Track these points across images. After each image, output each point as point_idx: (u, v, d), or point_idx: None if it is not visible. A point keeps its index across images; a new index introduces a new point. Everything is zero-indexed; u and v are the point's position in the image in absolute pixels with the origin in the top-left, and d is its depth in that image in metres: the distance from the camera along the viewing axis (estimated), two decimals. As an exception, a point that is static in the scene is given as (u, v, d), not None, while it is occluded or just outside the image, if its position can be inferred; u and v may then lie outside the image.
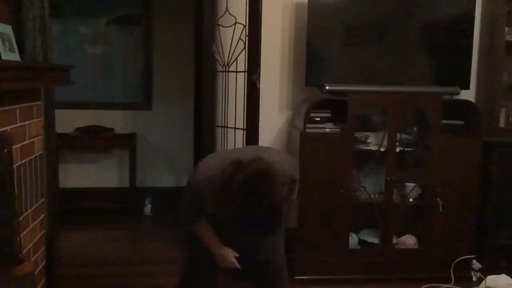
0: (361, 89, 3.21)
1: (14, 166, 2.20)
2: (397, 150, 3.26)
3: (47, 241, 2.75)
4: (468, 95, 3.50)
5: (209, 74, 3.48)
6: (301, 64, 3.37)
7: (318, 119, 3.26)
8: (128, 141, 4.70)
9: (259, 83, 3.19)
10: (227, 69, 3.42)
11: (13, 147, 2.19)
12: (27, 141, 2.40)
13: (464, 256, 3.28)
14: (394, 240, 3.39)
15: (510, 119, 3.57)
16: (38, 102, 2.58)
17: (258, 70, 3.17)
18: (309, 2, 3.21)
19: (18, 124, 2.29)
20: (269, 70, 3.47)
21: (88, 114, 4.80)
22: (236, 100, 3.35)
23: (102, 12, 4.80)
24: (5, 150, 2.09)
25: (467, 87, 3.37)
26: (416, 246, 3.38)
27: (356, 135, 3.24)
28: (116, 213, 4.53)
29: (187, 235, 2.25)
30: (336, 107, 3.22)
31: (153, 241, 3.93)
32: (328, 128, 3.25)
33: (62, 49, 4.33)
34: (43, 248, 2.67)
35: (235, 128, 3.38)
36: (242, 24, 3.27)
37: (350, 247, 3.31)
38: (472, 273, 3.30)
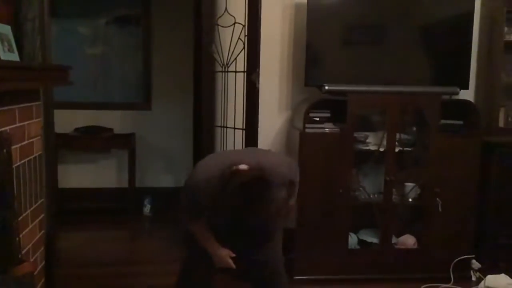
0: (361, 89, 3.21)
1: (13, 167, 2.20)
2: (396, 150, 3.26)
3: (46, 241, 2.75)
4: (467, 95, 3.50)
5: (208, 74, 3.48)
6: (301, 64, 3.37)
7: (318, 119, 3.26)
8: (127, 141, 4.69)
9: (259, 83, 3.19)
10: (226, 69, 3.42)
11: (12, 147, 2.19)
12: (26, 141, 2.40)
13: (463, 256, 3.28)
14: (394, 240, 3.39)
15: (509, 119, 3.57)
16: (37, 102, 2.57)
17: (257, 70, 3.17)
18: (308, 2, 3.21)
19: (17, 124, 2.29)
20: (269, 70, 3.47)
21: (87, 114, 4.80)
22: (236, 100, 3.35)
23: (101, 12, 4.80)
24: (4, 151, 2.09)
25: (466, 87, 3.37)
26: (416, 246, 3.38)
27: (355, 135, 3.24)
28: (115, 213, 4.53)
29: (185, 235, 2.25)
30: (336, 107, 3.22)
31: (152, 241, 3.93)
32: (328, 128, 3.25)
33: (61, 49, 4.32)
34: (42, 248, 2.67)
35: (235, 128, 3.38)
36: (242, 24, 3.27)
37: (349, 247, 3.31)
38: (472, 273, 3.31)
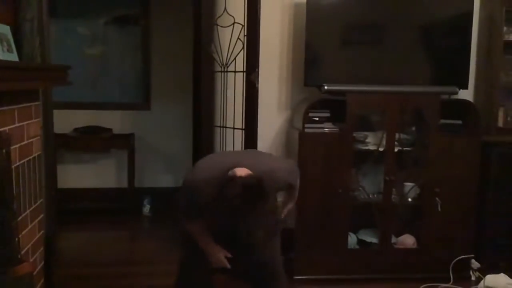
0: (360, 89, 3.21)
1: (13, 167, 2.20)
2: (396, 149, 3.26)
3: (45, 241, 2.75)
4: (466, 94, 3.50)
5: (207, 74, 3.48)
6: (300, 64, 3.37)
7: (317, 119, 3.26)
8: (126, 142, 4.69)
9: (258, 83, 3.18)
10: (225, 69, 3.42)
11: (12, 147, 2.19)
12: (25, 142, 2.40)
13: (462, 255, 3.28)
14: (393, 239, 3.39)
15: (509, 119, 3.57)
16: (36, 103, 2.57)
17: (256, 70, 3.17)
18: (307, 2, 3.21)
19: (17, 125, 2.29)
20: (268, 70, 3.47)
21: (86, 114, 4.80)
22: (235, 100, 3.35)
23: (100, 12, 4.80)
24: (4, 151, 2.09)
25: (465, 86, 3.38)
26: (415, 246, 3.38)
27: (354, 135, 3.24)
28: (114, 214, 4.52)
29: (182, 235, 2.25)
30: (335, 107, 3.22)
31: (152, 242, 3.93)
32: (327, 128, 3.25)
33: (60, 49, 4.32)
34: (41, 248, 2.67)
35: (234, 128, 3.38)
36: (241, 24, 3.26)
37: (349, 247, 3.31)
38: (471, 273, 3.31)
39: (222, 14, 3.36)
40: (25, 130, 2.40)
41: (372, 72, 3.32)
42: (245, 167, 1.94)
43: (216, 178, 1.92)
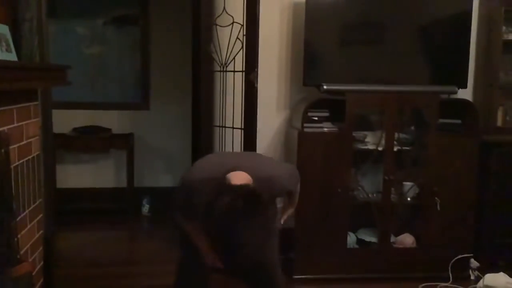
0: (359, 89, 3.21)
1: (12, 167, 2.20)
2: (395, 149, 3.26)
3: (44, 241, 2.75)
4: (465, 94, 3.50)
5: (206, 73, 3.48)
6: (299, 64, 3.37)
7: (316, 118, 3.26)
8: (125, 141, 4.69)
9: (257, 83, 3.18)
10: (224, 69, 3.42)
11: (10, 147, 2.18)
12: (24, 142, 2.40)
13: (462, 255, 3.29)
14: (392, 239, 3.39)
15: (508, 118, 3.58)
16: (35, 102, 2.57)
17: (255, 69, 3.17)
18: (306, 1, 3.21)
19: (15, 125, 2.29)
20: (267, 69, 3.47)
21: (85, 114, 4.79)
22: (234, 100, 3.35)
23: (99, 12, 4.79)
24: (2, 151, 2.09)
25: (464, 86, 3.38)
26: (414, 245, 3.38)
27: (354, 134, 3.24)
28: (114, 214, 4.52)
29: (179, 234, 2.24)
30: (334, 107, 3.22)
31: (151, 241, 3.93)
32: (326, 127, 3.25)
33: (59, 49, 4.32)
34: (41, 248, 2.66)
35: (233, 128, 3.38)
36: (240, 24, 3.26)
37: (348, 246, 3.31)
38: (470, 272, 3.31)
39: (221, 13, 3.36)
40: (24, 130, 2.40)
41: (371, 71, 3.32)
42: (244, 171, 1.93)
43: (214, 179, 1.91)
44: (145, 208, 4.60)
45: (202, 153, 3.28)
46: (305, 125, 3.19)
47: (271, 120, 3.57)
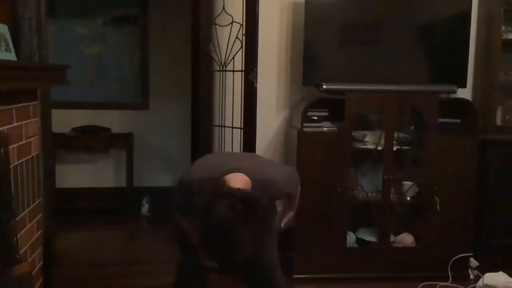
0: (358, 88, 3.21)
1: (11, 166, 2.20)
2: (394, 148, 3.26)
3: (44, 241, 2.75)
4: (465, 93, 3.51)
5: (206, 73, 3.48)
6: (299, 63, 3.37)
7: (316, 118, 3.26)
8: (125, 141, 4.69)
9: (256, 82, 3.18)
10: (224, 69, 3.42)
11: (10, 147, 2.18)
12: (23, 141, 2.39)
13: (461, 254, 3.29)
14: (392, 238, 3.39)
15: (507, 117, 3.58)
16: (34, 102, 2.57)
17: (255, 69, 3.17)
18: (306, 1, 3.21)
19: (15, 124, 2.28)
20: (266, 69, 3.47)
21: (85, 114, 4.80)
22: (234, 100, 3.35)
23: (99, 12, 4.80)
24: (2, 150, 2.09)
25: (464, 85, 3.38)
26: (414, 245, 3.38)
27: (353, 134, 3.24)
28: (113, 213, 4.52)
29: (178, 234, 2.24)
30: (334, 106, 3.22)
31: (151, 241, 3.93)
32: (326, 127, 3.25)
33: (59, 49, 4.32)
34: (40, 248, 2.66)
35: (233, 128, 3.38)
36: (239, 23, 3.26)
37: (347, 246, 3.32)
38: (470, 271, 3.31)
39: (220, 13, 3.36)
40: (24, 129, 2.40)
41: (370, 71, 3.32)
42: (243, 173, 1.92)
43: (213, 180, 1.90)
44: (145, 208, 4.60)
45: (201, 152, 3.28)
46: (305, 124, 3.19)
47: (271, 119, 3.57)
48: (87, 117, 4.78)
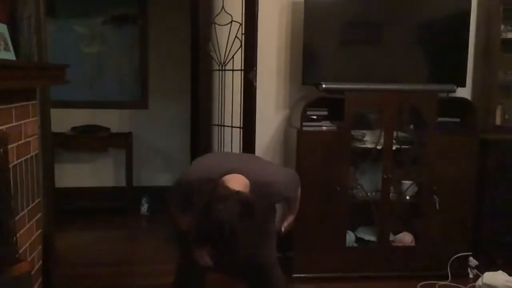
0: (358, 87, 3.21)
1: (10, 166, 2.20)
2: (394, 148, 3.26)
3: (43, 240, 2.75)
4: (464, 92, 3.51)
5: (205, 72, 3.48)
6: (298, 63, 3.37)
7: (315, 117, 3.26)
8: (124, 140, 4.69)
9: (256, 82, 3.18)
10: (223, 68, 3.42)
11: (9, 146, 2.18)
12: (22, 141, 2.39)
13: (460, 253, 3.29)
14: (391, 237, 3.39)
15: (506, 117, 3.58)
16: (33, 102, 2.56)
17: (254, 68, 3.17)
18: (305, 0, 3.20)
19: (14, 124, 2.28)
20: (266, 68, 3.47)
21: (84, 113, 4.79)
22: (233, 99, 3.35)
23: (98, 11, 4.80)
24: (1, 150, 2.08)
25: (463, 84, 3.38)
26: (413, 244, 3.38)
27: (352, 133, 3.24)
28: (112, 213, 4.52)
29: (177, 233, 2.24)
30: (333, 105, 3.22)
31: (150, 241, 3.93)
32: (325, 126, 3.25)
33: (58, 48, 4.32)
34: (39, 247, 2.66)
35: (232, 127, 3.38)
36: (238, 23, 3.26)
37: (347, 245, 3.32)
38: (469, 270, 3.31)
39: (219, 12, 3.36)
40: (23, 129, 2.40)
41: (370, 70, 3.32)
42: (242, 174, 1.92)
43: (211, 181, 1.90)
44: (144, 207, 4.61)
45: (201, 152, 3.28)
46: (304, 124, 3.19)
47: (270, 119, 3.57)
48: (86, 116, 4.78)
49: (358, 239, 3.42)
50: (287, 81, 3.57)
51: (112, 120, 4.85)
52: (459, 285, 3.17)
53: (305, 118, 3.19)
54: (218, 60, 3.43)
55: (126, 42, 4.89)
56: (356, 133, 3.30)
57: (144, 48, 4.90)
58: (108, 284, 3.12)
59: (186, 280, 2.26)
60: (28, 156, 2.47)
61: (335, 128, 3.24)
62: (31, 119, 2.52)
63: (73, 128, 4.71)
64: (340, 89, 3.18)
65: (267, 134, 3.57)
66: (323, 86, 3.19)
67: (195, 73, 3.70)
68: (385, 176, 3.25)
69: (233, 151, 3.35)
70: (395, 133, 3.27)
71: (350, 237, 3.37)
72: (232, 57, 3.34)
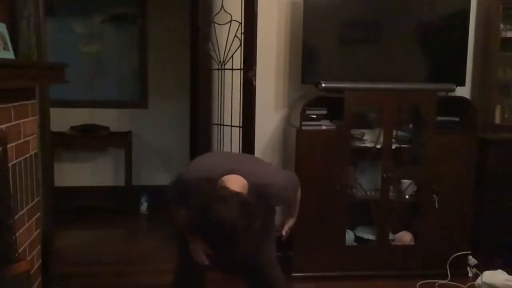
0: (357, 86, 3.21)
1: (9, 165, 2.19)
2: (393, 147, 3.26)
3: (43, 240, 2.75)
4: (463, 91, 3.51)
5: (204, 71, 3.47)
6: (297, 62, 3.37)
7: (314, 116, 3.26)
8: (123, 140, 4.68)
9: (255, 81, 3.18)
10: (223, 67, 3.42)
11: (8, 145, 2.18)
12: (22, 140, 2.39)
13: (460, 252, 3.29)
14: (390, 236, 3.40)
15: (506, 116, 3.58)
16: (33, 101, 2.56)
17: (254, 67, 3.17)
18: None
19: (13, 123, 2.28)
20: (265, 67, 3.47)
21: (83, 112, 4.79)
22: (232, 98, 3.35)
23: (97, 10, 4.78)
24: (0, 149, 2.08)
25: (462, 83, 3.38)
26: (412, 243, 3.39)
27: (352, 132, 3.24)
28: (112, 212, 4.52)
29: (177, 232, 2.24)
30: (332, 105, 3.22)
31: (149, 240, 3.93)
32: (324, 125, 3.25)
33: (57, 47, 4.31)
34: (39, 247, 2.66)
35: (231, 126, 3.38)
36: (238, 22, 3.26)
37: (346, 244, 3.32)
38: (468, 269, 3.32)
39: (219, 11, 3.36)
40: (22, 128, 2.40)
41: (369, 69, 3.32)
42: (241, 175, 1.91)
43: (210, 180, 1.90)
44: (143, 207, 4.60)
45: (200, 151, 3.28)
46: (303, 123, 3.19)
47: (270, 118, 3.57)
48: (86, 115, 4.77)
49: (358, 238, 3.42)
50: (287, 80, 3.57)
51: (112, 119, 4.84)
52: (459, 284, 3.17)
53: (304, 117, 3.19)
54: (218, 59, 3.43)
55: (126, 41, 4.88)
56: (355, 132, 3.30)
57: (144, 47, 4.89)
58: (107, 283, 3.11)
59: (186, 279, 2.26)
60: (27, 155, 2.47)
61: (334, 127, 3.24)
62: (30, 118, 2.51)
63: (72, 128, 4.70)
64: (340, 88, 3.18)
65: (266, 133, 3.57)
66: (323, 85, 3.18)
67: (194, 72, 3.69)
68: (384, 175, 3.25)
69: (232, 150, 3.35)
70: (394, 132, 3.27)
71: (349, 236, 3.37)
72: (232, 56, 3.34)
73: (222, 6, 3.34)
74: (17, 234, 2.24)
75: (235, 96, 3.33)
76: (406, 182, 3.37)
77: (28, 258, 2.43)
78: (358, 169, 3.43)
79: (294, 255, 3.23)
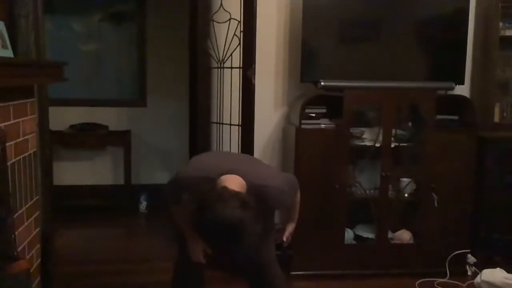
0: (356, 85, 3.21)
1: (8, 164, 2.19)
2: (392, 145, 3.26)
3: (42, 238, 2.74)
4: (462, 90, 3.50)
5: (203, 70, 3.47)
6: (296, 60, 3.36)
7: (314, 115, 3.25)
8: (122, 138, 4.68)
9: (254, 79, 3.18)
10: (222, 65, 3.41)
11: (7, 144, 2.18)
12: (21, 139, 2.39)
13: (459, 250, 3.30)
14: (390, 235, 3.40)
15: (505, 114, 3.59)
16: (31, 99, 2.56)
17: (253, 66, 3.16)
18: (303, -3, 3.20)
19: (12, 121, 2.28)
20: (264, 66, 3.46)
21: (82, 111, 4.78)
22: (231, 96, 3.34)
23: (96, 8, 4.78)
24: (-1, 148, 2.08)
25: (461, 82, 3.38)
26: (411, 241, 3.39)
27: (351, 130, 3.24)
28: (111, 211, 4.52)
29: (177, 232, 2.23)
30: (331, 103, 3.22)
31: (149, 238, 3.93)
32: (324, 124, 3.25)
33: (56, 46, 4.30)
34: (38, 245, 2.66)
35: (231, 125, 3.38)
36: (237, 20, 3.25)
37: (345, 242, 3.32)
38: (467, 268, 3.32)
39: (218, 10, 3.35)
40: (21, 126, 2.39)
41: (368, 68, 3.32)
42: (240, 175, 1.91)
43: (209, 180, 1.90)
44: (142, 205, 4.60)
45: (199, 149, 3.28)
46: (303, 121, 3.18)
47: (269, 116, 3.57)
48: (85, 114, 4.77)
49: (357, 237, 3.43)
50: (286, 78, 3.56)
51: (110, 118, 4.84)
52: (458, 283, 3.18)
53: (303, 115, 3.19)
54: (217, 58, 3.43)
55: (124, 40, 4.88)
56: (354, 130, 3.30)
57: (142, 45, 4.89)
58: (106, 282, 3.11)
59: (185, 277, 2.26)
60: (26, 154, 2.46)
61: (333, 125, 3.24)
62: (29, 117, 2.51)
63: (71, 126, 4.70)
64: (339, 86, 3.18)
65: (265, 132, 3.57)
66: (322, 83, 3.18)
67: (193, 70, 3.69)
68: (383, 174, 3.25)
69: (231, 149, 3.35)
70: (393, 131, 3.27)
71: (348, 234, 3.37)
72: (231, 54, 3.33)
73: (221, 4, 3.33)
74: (16, 233, 2.23)
75: (234, 95, 3.33)
76: (405, 180, 3.38)
77: (27, 257, 2.43)
78: (357, 168, 3.44)
79: (294, 253, 3.23)
